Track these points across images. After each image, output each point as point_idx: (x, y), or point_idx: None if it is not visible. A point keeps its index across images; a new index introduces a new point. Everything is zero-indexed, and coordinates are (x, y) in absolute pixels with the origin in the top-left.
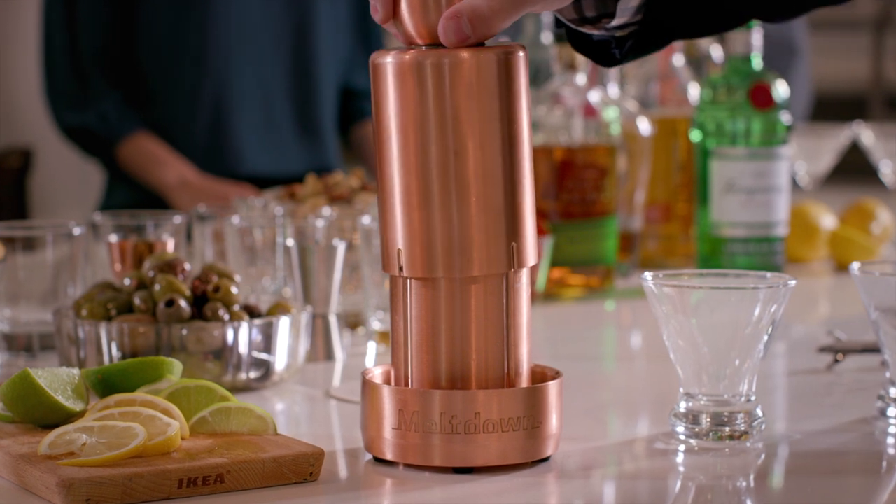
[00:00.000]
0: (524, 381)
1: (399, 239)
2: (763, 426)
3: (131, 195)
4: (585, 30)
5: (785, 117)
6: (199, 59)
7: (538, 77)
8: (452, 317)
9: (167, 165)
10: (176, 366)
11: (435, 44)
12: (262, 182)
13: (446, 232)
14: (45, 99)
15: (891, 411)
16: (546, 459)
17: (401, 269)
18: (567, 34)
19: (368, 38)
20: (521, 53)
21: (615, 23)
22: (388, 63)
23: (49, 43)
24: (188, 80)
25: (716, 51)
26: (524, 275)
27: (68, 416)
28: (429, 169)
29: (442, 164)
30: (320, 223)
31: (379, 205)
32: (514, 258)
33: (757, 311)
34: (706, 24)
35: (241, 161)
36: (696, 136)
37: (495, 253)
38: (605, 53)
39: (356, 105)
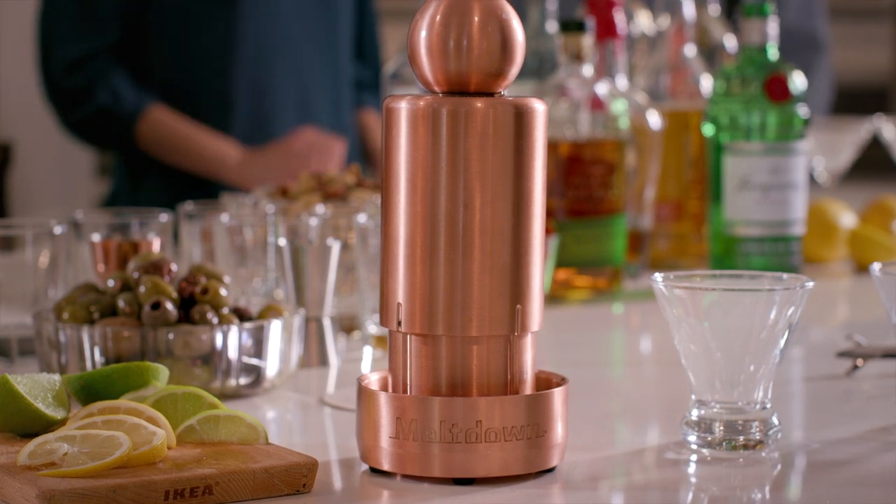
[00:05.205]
0: (528, 388)
1: (400, 292)
2: (779, 435)
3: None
4: None
5: (802, 110)
6: (232, 57)
7: (543, 68)
8: (453, 375)
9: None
10: (162, 371)
11: (451, 91)
12: None
13: (449, 287)
14: (47, 100)
15: None
16: (551, 470)
17: (399, 323)
18: None
19: (362, 30)
20: (540, 108)
21: None
22: (401, 108)
23: (48, 33)
24: (219, 79)
25: (729, 41)
26: (529, 338)
27: (49, 425)
28: (436, 220)
29: (450, 216)
30: (314, 222)
31: (381, 254)
32: (517, 321)
33: (773, 314)
34: None
35: None
36: (708, 130)
37: (498, 314)
38: None
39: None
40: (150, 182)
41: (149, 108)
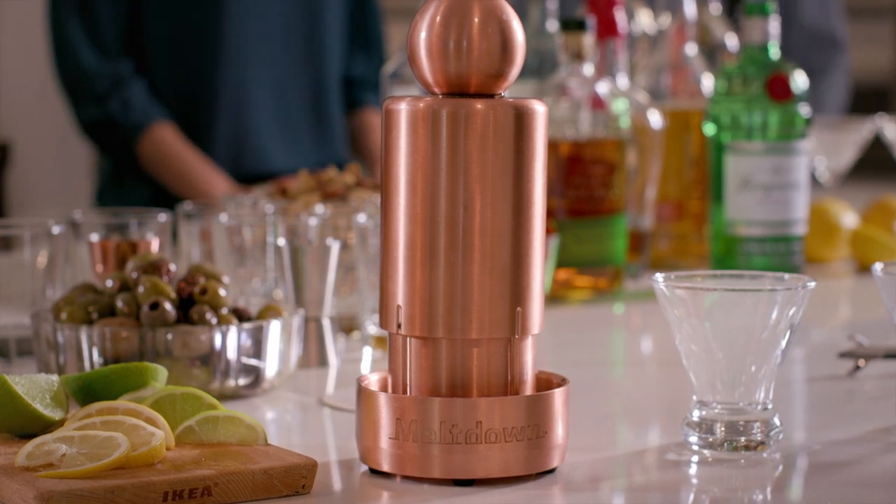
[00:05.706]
0: (528, 389)
1: (399, 294)
2: (780, 436)
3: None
4: None
5: (804, 110)
6: (215, 58)
7: (543, 68)
8: (453, 377)
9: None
10: (160, 372)
11: (451, 93)
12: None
13: (449, 290)
14: (64, 93)
15: None
16: (551, 471)
17: (399, 326)
18: None
19: (364, 25)
20: (541, 109)
21: None
22: (401, 110)
23: (63, 33)
24: (203, 79)
25: (731, 39)
26: (529, 340)
27: (47, 425)
28: (436, 222)
29: (450, 217)
30: (313, 221)
31: (381, 256)
32: (518, 323)
33: (774, 315)
34: None
35: (262, 160)
36: (709, 129)
37: (498, 316)
38: None
39: (354, 94)
40: (134, 181)
41: (153, 125)
